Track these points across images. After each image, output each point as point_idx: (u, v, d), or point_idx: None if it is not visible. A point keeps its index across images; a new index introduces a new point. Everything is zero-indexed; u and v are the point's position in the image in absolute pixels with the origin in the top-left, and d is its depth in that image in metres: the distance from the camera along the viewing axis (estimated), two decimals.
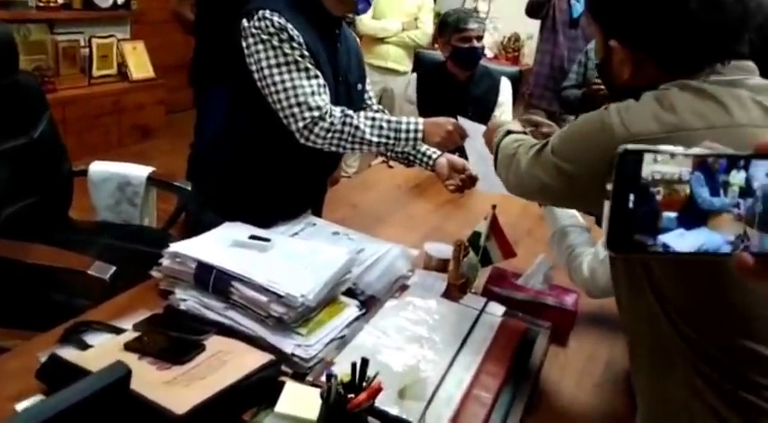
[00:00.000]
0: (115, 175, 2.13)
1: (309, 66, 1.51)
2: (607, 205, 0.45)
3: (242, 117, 1.66)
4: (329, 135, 1.52)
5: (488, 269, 1.50)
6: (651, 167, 0.45)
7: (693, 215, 0.45)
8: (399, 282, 1.47)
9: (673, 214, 0.45)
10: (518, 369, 1.21)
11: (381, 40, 3.58)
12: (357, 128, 1.53)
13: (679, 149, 0.45)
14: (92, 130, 3.97)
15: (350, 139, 1.53)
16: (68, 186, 2.10)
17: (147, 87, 4.33)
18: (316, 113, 1.50)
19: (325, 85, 1.54)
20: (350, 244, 1.59)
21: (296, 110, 1.50)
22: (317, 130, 1.51)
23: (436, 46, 3.79)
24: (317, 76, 1.52)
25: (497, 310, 1.40)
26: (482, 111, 2.57)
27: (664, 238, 0.45)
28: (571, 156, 0.92)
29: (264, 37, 1.48)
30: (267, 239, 1.35)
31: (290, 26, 1.48)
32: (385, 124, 1.55)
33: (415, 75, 2.68)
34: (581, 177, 0.90)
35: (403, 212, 1.99)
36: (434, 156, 1.78)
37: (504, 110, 2.67)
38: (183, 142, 3.95)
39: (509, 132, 1.20)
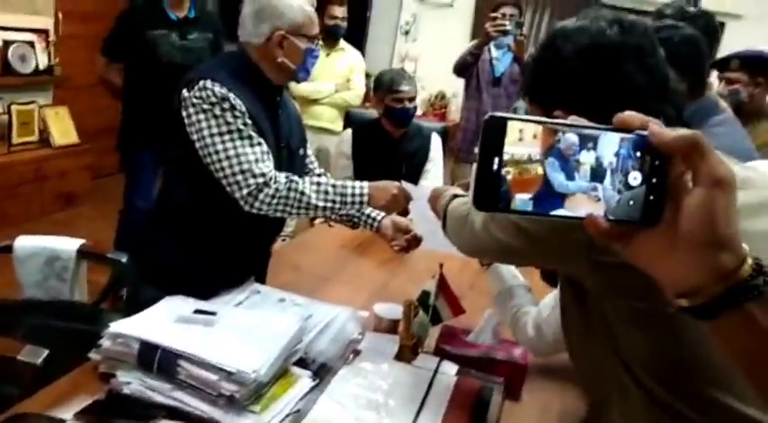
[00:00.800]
0: (43, 250, 2.01)
1: (252, 133, 1.51)
2: (474, 167, 0.49)
3: (180, 186, 1.64)
4: (274, 201, 1.51)
5: (438, 327, 1.51)
6: (512, 148, 0.48)
7: (551, 196, 0.49)
8: (351, 346, 1.45)
9: (530, 194, 0.49)
10: None
11: (315, 102, 3.63)
12: (302, 193, 1.53)
13: (540, 118, 0.49)
14: (12, 200, 3.78)
15: (295, 204, 1.53)
16: None
17: (71, 153, 4.18)
18: (260, 180, 1.50)
19: (268, 152, 1.54)
20: (297, 310, 1.57)
21: (240, 177, 1.49)
22: (261, 196, 1.50)
23: (367, 104, 3.88)
24: (260, 144, 1.52)
25: (450, 369, 1.40)
26: (415, 166, 2.67)
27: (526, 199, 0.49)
28: None
29: (206, 106, 1.48)
30: (213, 313, 1.31)
31: (231, 95, 1.49)
32: (330, 189, 1.56)
33: (349, 131, 2.72)
34: (540, 233, 0.92)
35: (348, 272, 1.99)
36: (378, 217, 1.80)
37: (435, 164, 2.75)
38: (110, 208, 3.82)
39: (455, 196, 1.23)
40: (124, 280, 2.15)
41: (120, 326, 1.23)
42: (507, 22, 3.25)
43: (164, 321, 1.28)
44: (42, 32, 3.99)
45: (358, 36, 4.77)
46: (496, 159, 0.48)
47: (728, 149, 1.42)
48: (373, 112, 3.01)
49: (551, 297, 1.39)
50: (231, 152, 1.49)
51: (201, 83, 1.49)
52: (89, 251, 2.08)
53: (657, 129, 0.47)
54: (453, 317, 1.48)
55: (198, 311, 1.31)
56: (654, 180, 0.48)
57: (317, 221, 2.51)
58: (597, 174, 0.49)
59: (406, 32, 5.10)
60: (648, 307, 0.83)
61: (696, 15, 1.80)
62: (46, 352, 1.47)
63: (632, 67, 0.90)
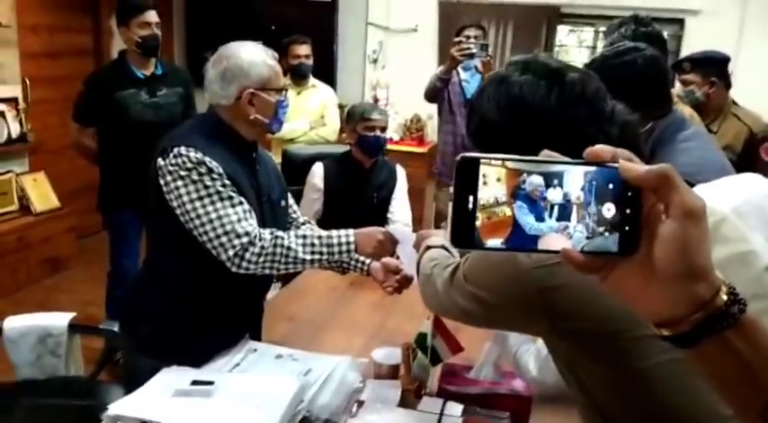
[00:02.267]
0: (33, 329, 1.99)
1: (232, 194, 1.51)
2: (450, 206, 0.49)
3: (164, 254, 1.63)
4: (261, 259, 1.51)
5: (439, 366, 1.50)
6: (483, 192, 0.49)
7: (523, 238, 0.49)
8: (353, 397, 1.44)
9: (502, 238, 0.49)
10: None
11: (291, 141, 3.64)
12: (289, 248, 1.53)
13: (510, 156, 0.50)
14: None
15: (283, 260, 1.53)
16: None
17: (53, 218, 4.15)
18: (245, 240, 1.50)
19: (250, 210, 1.54)
20: (295, 366, 1.56)
21: (224, 239, 1.49)
22: (248, 256, 1.50)
23: (344, 135, 3.90)
24: (241, 203, 1.53)
25: (455, 409, 1.39)
26: (386, 195, 2.75)
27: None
28: (484, 284, 0.93)
29: (183, 173, 1.48)
30: (210, 382, 1.30)
31: (207, 159, 1.49)
32: (317, 241, 1.56)
33: (319, 164, 2.73)
34: (497, 304, 0.92)
35: (343, 316, 1.98)
36: (368, 261, 1.80)
37: (401, 193, 2.81)
38: (97, 269, 3.79)
39: (428, 248, 1.23)
40: (117, 350, 2.13)
41: (118, 407, 1.22)
42: (472, 45, 3.29)
43: (162, 397, 1.26)
44: (11, 101, 3.98)
45: (328, 70, 4.81)
46: (471, 198, 0.49)
47: (702, 163, 1.45)
48: (310, 149, 3.12)
49: None
50: (213, 215, 1.49)
51: (176, 150, 1.49)
52: (80, 324, 2.06)
53: (628, 164, 0.48)
54: (453, 355, 1.48)
55: (195, 382, 1.30)
56: (628, 211, 0.48)
57: None
58: (566, 209, 0.49)
59: (375, 61, 5.14)
60: (617, 371, 0.83)
61: (650, 33, 1.84)
62: None
63: (570, 134, 0.87)
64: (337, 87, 4.76)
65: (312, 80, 3.90)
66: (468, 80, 3.60)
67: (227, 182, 1.52)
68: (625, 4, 3.99)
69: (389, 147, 4.60)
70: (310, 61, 3.82)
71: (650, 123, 1.48)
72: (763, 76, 3.79)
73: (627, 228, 0.48)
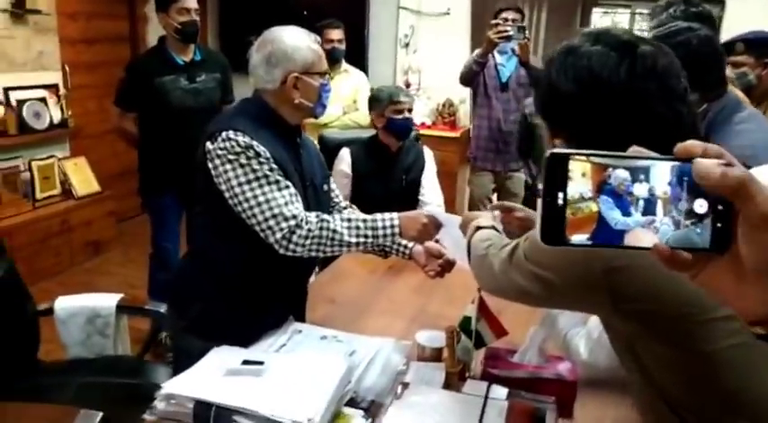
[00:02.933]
0: (83, 309, 2.05)
1: (279, 178, 1.53)
2: (540, 203, 0.49)
3: (212, 239, 1.66)
4: (308, 242, 1.53)
5: (483, 350, 1.51)
6: (574, 187, 0.49)
7: (609, 233, 0.49)
8: (398, 379, 1.46)
9: (588, 234, 0.49)
10: None
11: (324, 126, 3.65)
12: (335, 231, 1.55)
13: (599, 152, 0.49)
14: (41, 254, 3.84)
15: (329, 243, 1.55)
16: (34, 328, 2.01)
17: (94, 202, 4.25)
18: (292, 223, 1.52)
19: (296, 194, 1.56)
20: (340, 347, 1.58)
21: (272, 222, 1.51)
22: (295, 238, 1.52)
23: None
24: (287, 187, 1.55)
25: (500, 393, 1.40)
26: (414, 177, 2.75)
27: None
28: (546, 263, 0.93)
29: (231, 157, 1.51)
30: (261, 362, 1.33)
31: (254, 143, 1.51)
32: (362, 224, 1.57)
33: (346, 149, 2.74)
34: (560, 285, 0.91)
35: (384, 299, 1.99)
36: (410, 244, 1.81)
37: (431, 174, 2.80)
38: (137, 251, 3.88)
39: (478, 228, 1.23)
40: (163, 329, 2.19)
41: (172, 386, 1.25)
42: (510, 28, 3.25)
43: (214, 376, 1.30)
44: (52, 87, 4.06)
45: (359, 55, 4.80)
46: (560, 195, 0.48)
47: (759, 145, 1.42)
48: (344, 134, 3.09)
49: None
50: (261, 198, 1.51)
51: (224, 134, 1.52)
52: (128, 305, 2.12)
53: (703, 169, 0.46)
54: (496, 339, 1.48)
55: (246, 362, 1.33)
56: (720, 207, 0.48)
57: None
58: (653, 204, 0.49)
59: (406, 45, 5.11)
60: (683, 354, 0.83)
61: (701, 13, 1.79)
62: (99, 415, 1.50)
63: (638, 109, 0.87)
64: (369, 72, 4.75)
65: (344, 65, 3.90)
66: (504, 64, 3.56)
67: (274, 166, 1.54)
68: None
69: (422, 132, 4.60)
70: (343, 46, 3.82)
71: (705, 105, 1.45)
72: None
73: (719, 224, 0.48)
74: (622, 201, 0.49)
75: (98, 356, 2.07)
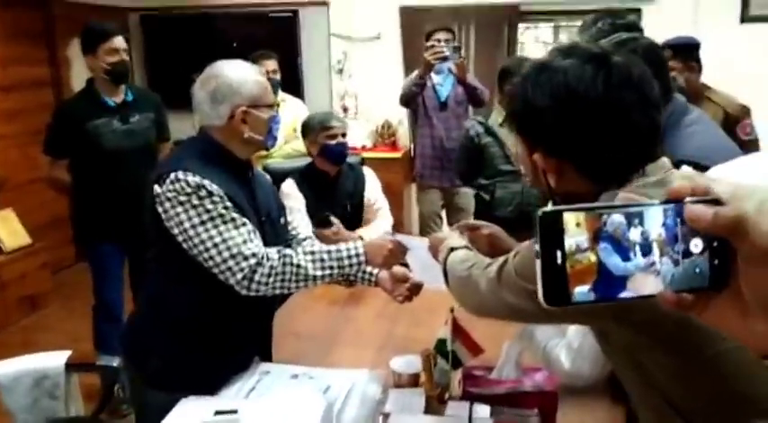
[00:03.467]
0: (28, 372, 1.90)
1: (234, 215, 1.48)
2: (538, 264, 0.47)
3: (168, 285, 1.58)
4: (271, 279, 1.48)
5: (459, 370, 1.49)
6: (570, 239, 0.47)
7: (611, 281, 0.48)
8: (378, 410, 1.42)
9: (589, 284, 0.48)
10: None
11: (267, 157, 3.59)
12: (299, 266, 1.50)
13: (593, 204, 0.48)
14: None
15: (293, 278, 1.50)
16: None
17: (26, 255, 4.01)
18: (252, 261, 1.46)
19: (254, 231, 1.51)
20: (313, 384, 1.53)
21: (231, 263, 1.45)
22: (257, 277, 1.47)
23: None
24: (244, 224, 1.49)
25: (483, 411, 1.38)
26: (356, 202, 2.71)
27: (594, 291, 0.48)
28: None
29: (182, 198, 1.44)
30: (234, 411, 1.26)
31: (206, 182, 1.45)
32: (326, 256, 1.54)
33: (290, 181, 2.68)
34: None
35: (349, 328, 1.95)
36: (375, 271, 1.78)
37: (373, 193, 2.77)
38: (77, 303, 3.68)
39: (452, 249, 1.22)
40: (117, 384, 2.06)
41: None
42: (445, 48, 3.31)
43: None
44: None
45: (294, 84, 4.77)
46: (559, 253, 0.47)
47: (710, 146, 1.47)
48: (287, 163, 3.05)
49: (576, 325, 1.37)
50: (217, 239, 1.45)
51: (173, 175, 1.45)
52: (78, 363, 1.98)
53: (695, 211, 0.46)
54: (473, 358, 1.47)
55: (219, 413, 1.26)
56: (715, 244, 0.48)
57: None
58: (650, 247, 0.48)
59: (340, 71, 5.12)
60: (687, 359, 0.83)
61: (629, 24, 1.86)
62: None
63: (639, 114, 0.88)
64: (305, 99, 4.73)
65: (281, 94, 3.86)
66: (442, 83, 3.62)
67: (228, 204, 1.48)
68: None
69: (365, 155, 4.59)
70: (278, 76, 3.80)
71: None
72: (719, 60, 3.90)
73: (716, 261, 0.47)
74: (621, 246, 0.48)
75: (49, 420, 1.92)
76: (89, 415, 2.01)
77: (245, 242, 1.46)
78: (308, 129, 2.67)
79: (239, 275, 1.45)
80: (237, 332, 1.60)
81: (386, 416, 1.39)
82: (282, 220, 1.74)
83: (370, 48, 5.02)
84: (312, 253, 1.54)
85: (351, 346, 1.83)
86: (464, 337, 1.45)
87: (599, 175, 0.91)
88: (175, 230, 1.46)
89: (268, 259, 1.48)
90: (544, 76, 0.92)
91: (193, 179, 1.45)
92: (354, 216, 2.73)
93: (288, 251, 1.52)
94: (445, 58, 3.31)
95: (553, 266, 0.47)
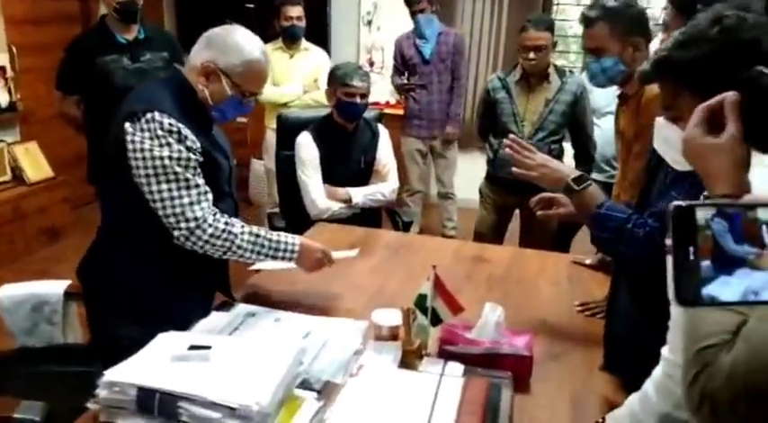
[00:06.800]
0: (28, 297, 1.97)
1: (189, 176, 1.51)
2: (670, 260, 0.46)
3: (134, 219, 1.60)
4: (207, 246, 1.55)
5: (440, 328, 1.49)
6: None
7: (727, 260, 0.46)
8: (354, 359, 1.43)
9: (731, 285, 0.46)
10: None
11: (284, 106, 3.57)
12: (238, 246, 1.58)
13: (725, 201, 0.48)
14: None
15: (227, 251, 1.58)
16: None
17: (48, 188, 4.11)
18: (192, 224, 1.52)
19: (205, 193, 1.55)
20: (294, 328, 1.55)
21: (172, 220, 1.52)
22: (193, 239, 1.53)
23: None
24: (197, 186, 1.53)
25: (456, 370, 1.38)
26: (370, 158, 2.71)
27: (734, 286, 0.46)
28: None
29: (147, 143, 1.46)
30: (208, 346, 1.28)
31: (181, 126, 1.47)
32: (266, 243, 1.62)
33: (306, 133, 2.65)
34: None
35: (341, 281, 1.95)
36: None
37: (384, 151, 2.76)
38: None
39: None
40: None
41: (114, 373, 1.20)
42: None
43: (159, 362, 1.24)
44: None
45: (321, 34, 4.70)
46: (691, 249, 0.46)
47: None
48: (303, 113, 3.00)
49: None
50: (165, 194, 1.49)
51: (149, 115, 1.46)
52: (77, 292, 2.04)
53: None
54: (453, 316, 1.46)
55: (192, 347, 1.28)
56: None
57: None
58: None
59: (369, 23, 5.03)
60: None
61: None
62: (43, 405, 1.44)
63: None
64: (332, 51, 4.66)
65: (305, 43, 3.82)
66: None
67: (192, 156, 1.51)
68: None
69: (387, 111, 4.54)
70: (302, 23, 3.73)
71: None
72: None
73: None
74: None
75: (47, 345, 1.99)
76: (85, 343, 2.07)
77: (191, 204, 1.51)
78: (332, 78, 2.63)
79: (176, 233, 1.52)
80: (194, 266, 1.63)
81: (360, 366, 1.39)
82: (234, 163, 1.79)
83: (400, 1, 4.90)
84: (257, 236, 1.60)
85: (340, 298, 1.83)
86: (445, 295, 1.43)
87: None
88: (133, 170, 1.49)
89: (210, 225, 1.53)
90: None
91: (169, 122, 1.46)
92: (366, 172, 2.72)
93: (236, 228, 1.57)
94: None
95: (686, 263, 0.46)
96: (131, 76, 2.80)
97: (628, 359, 1.34)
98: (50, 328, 2.00)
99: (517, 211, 3.11)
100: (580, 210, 1.44)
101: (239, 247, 1.57)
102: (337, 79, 2.58)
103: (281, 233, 1.67)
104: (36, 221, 4.03)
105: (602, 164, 2.94)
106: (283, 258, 1.64)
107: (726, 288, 0.46)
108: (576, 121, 2.89)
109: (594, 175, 2.81)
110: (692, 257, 0.45)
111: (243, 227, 1.60)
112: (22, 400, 1.46)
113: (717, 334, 0.59)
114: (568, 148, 2.98)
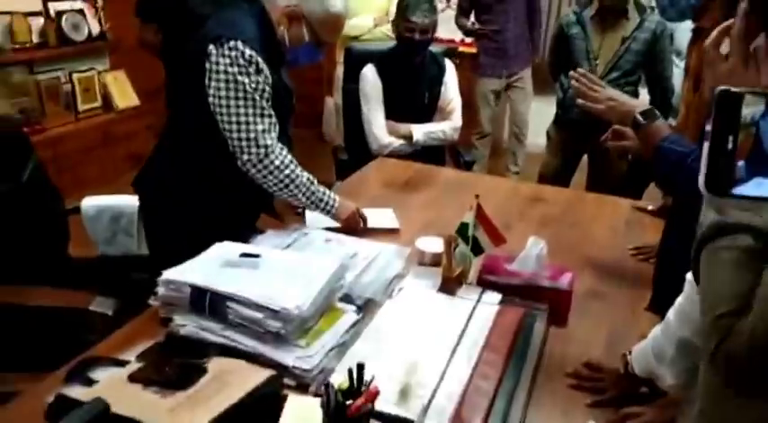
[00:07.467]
0: (107, 209, 2.15)
1: (265, 105, 1.56)
2: (706, 146, 0.45)
3: (195, 139, 1.68)
4: (269, 176, 1.62)
5: (482, 258, 1.51)
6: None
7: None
8: (395, 282, 1.49)
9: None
10: (519, 355, 1.23)
11: (355, 38, 3.56)
12: (296, 183, 1.64)
13: None
14: (85, 165, 3.98)
15: (284, 186, 1.63)
16: (63, 225, 2.12)
17: (134, 115, 4.34)
18: (262, 151, 1.58)
19: (275, 124, 1.60)
20: (342, 249, 1.61)
21: (244, 144, 1.57)
22: (260, 166, 1.60)
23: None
24: (270, 115, 1.58)
25: (494, 298, 1.41)
26: (434, 94, 2.66)
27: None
28: None
29: (230, 69, 1.52)
30: (257, 255, 1.36)
31: (260, 59, 1.51)
32: (317, 190, 1.69)
33: (371, 66, 2.64)
34: None
35: (396, 212, 1.99)
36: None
37: (450, 86, 2.69)
38: None
39: None
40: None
41: (171, 273, 1.31)
42: None
43: (212, 266, 1.34)
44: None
45: None
46: (731, 138, 0.44)
47: None
48: (375, 45, 2.96)
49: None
50: (242, 118, 1.55)
51: (232, 43, 1.51)
52: None
53: None
54: (495, 246, 1.48)
55: (244, 255, 1.37)
56: None
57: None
58: None
59: None
60: None
61: None
62: (113, 302, 1.59)
63: None
64: None
65: None
66: None
67: (267, 88, 1.56)
68: None
69: (462, 49, 4.45)
70: None
71: None
72: None
73: None
74: None
75: (123, 254, 2.17)
76: None
77: (263, 131, 1.57)
78: (398, 9, 2.59)
79: (245, 157, 1.58)
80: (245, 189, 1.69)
81: (401, 287, 1.45)
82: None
83: None
84: (311, 182, 1.67)
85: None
86: (487, 225, 1.45)
87: None
88: (211, 91, 1.55)
89: (277, 157, 1.59)
90: None
91: (249, 53, 1.51)
92: (430, 107, 2.70)
93: (298, 167, 1.65)
94: None
95: (723, 151, 0.45)
96: (208, 5, 2.86)
97: (674, 301, 1.32)
98: (127, 239, 2.17)
99: (585, 159, 3.03)
100: (645, 144, 1.39)
101: (297, 185, 1.64)
102: (401, 11, 2.54)
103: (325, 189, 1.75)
104: (123, 147, 4.28)
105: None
106: (323, 209, 1.72)
107: (759, 189, 0.45)
108: (653, 63, 2.74)
109: (672, 122, 2.68)
110: (730, 146, 0.44)
111: (301, 169, 1.67)
112: (97, 296, 1.61)
113: (732, 297, 0.58)
114: (644, 94, 2.84)
